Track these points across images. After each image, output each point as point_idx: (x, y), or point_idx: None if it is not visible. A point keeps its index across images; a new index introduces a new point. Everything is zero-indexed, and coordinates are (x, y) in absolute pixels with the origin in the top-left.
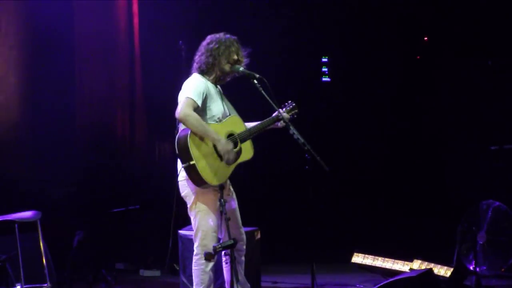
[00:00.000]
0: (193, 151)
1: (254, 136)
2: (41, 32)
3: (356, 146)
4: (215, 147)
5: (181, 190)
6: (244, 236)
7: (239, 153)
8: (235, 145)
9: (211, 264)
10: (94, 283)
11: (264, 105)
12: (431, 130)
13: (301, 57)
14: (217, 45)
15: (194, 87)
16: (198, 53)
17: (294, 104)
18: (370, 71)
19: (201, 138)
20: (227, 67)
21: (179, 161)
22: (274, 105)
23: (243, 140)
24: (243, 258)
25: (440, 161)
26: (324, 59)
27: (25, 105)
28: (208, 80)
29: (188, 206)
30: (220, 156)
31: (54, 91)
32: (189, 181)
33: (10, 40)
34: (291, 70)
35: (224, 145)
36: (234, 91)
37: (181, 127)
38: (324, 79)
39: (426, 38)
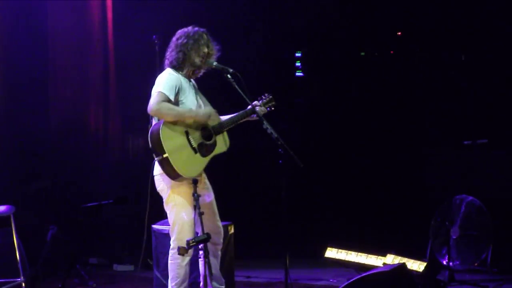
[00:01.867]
0: (166, 144)
1: (229, 128)
2: (13, 27)
3: (330, 141)
4: (188, 140)
5: (156, 185)
6: (222, 230)
7: (214, 145)
8: (210, 138)
9: (187, 259)
10: (68, 278)
11: (240, 98)
12: (406, 125)
13: (274, 52)
14: (186, 40)
15: (165, 81)
16: (169, 49)
17: (270, 97)
18: (344, 66)
19: (173, 131)
20: (197, 61)
21: (155, 156)
22: (247, 99)
23: (217, 133)
24: (219, 252)
25: (414, 156)
26: (298, 54)
27: None
28: (181, 74)
29: (164, 200)
30: (194, 148)
31: (27, 85)
32: (164, 175)
33: None
34: (264, 65)
35: (204, 113)
36: (210, 85)
37: (154, 121)
38: (297, 73)
39: (399, 33)
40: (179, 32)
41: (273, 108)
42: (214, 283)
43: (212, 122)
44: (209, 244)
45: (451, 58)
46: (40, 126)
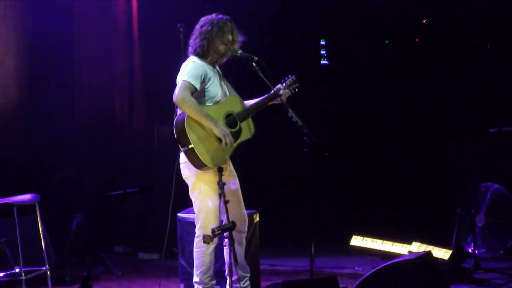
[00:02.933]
0: (191, 134)
1: (253, 114)
2: (39, 17)
3: (355, 129)
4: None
5: (182, 173)
6: (246, 218)
7: (239, 132)
8: (235, 125)
9: (212, 247)
10: (93, 266)
11: (265, 86)
12: (430, 113)
13: (298, 40)
14: (210, 27)
15: (190, 69)
16: (193, 37)
17: (294, 78)
18: (369, 54)
19: (199, 122)
20: (222, 48)
21: (180, 146)
22: (271, 86)
23: (242, 119)
24: (244, 240)
25: (439, 144)
26: (322, 42)
27: (24, 88)
28: (205, 62)
29: (189, 188)
30: (218, 138)
31: (53, 75)
32: (189, 163)
33: (9, 24)
34: (288, 53)
35: (221, 129)
36: (234, 72)
37: (179, 110)
38: (322, 62)
39: (425, 21)
40: (203, 20)
41: (297, 90)
42: (239, 271)
43: (237, 109)
44: (234, 232)
45: (476, 46)
46: (66, 116)
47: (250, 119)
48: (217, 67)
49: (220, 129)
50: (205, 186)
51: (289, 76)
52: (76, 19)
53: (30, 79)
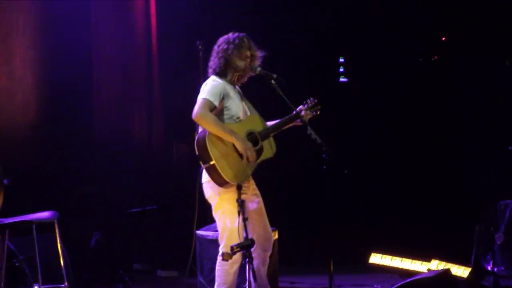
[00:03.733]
0: (213, 151)
1: (275, 134)
2: (58, 32)
3: (374, 146)
4: (234, 145)
5: (205, 192)
6: (272, 236)
7: (260, 150)
8: (256, 143)
9: (235, 266)
10: (112, 283)
11: (284, 104)
12: (450, 131)
13: (317, 58)
14: (226, 46)
15: (210, 88)
16: (211, 57)
17: (316, 101)
18: (388, 71)
19: (220, 138)
20: (241, 64)
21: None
22: (291, 105)
23: (263, 138)
24: (268, 259)
25: (459, 161)
26: (341, 59)
27: (43, 105)
28: (225, 80)
29: (213, 207)
30: (240, 155)
31: (71, 91)
32: (212, 182)
33: (27, 41)
34: (307, 71)
35: (243, 143)
36: (254, 92)
37: (200, 128)
38: (341, 79)
39: (444, 38)
40: (220, 40)
41: (318, 112)
42: None
43: (258, 128)
44: (259, 250)
45: (496, 64)
46: (84, 133)
47: (271, 138)
48: (237, 87)
49: (242, 143)
50: (228, 204)
51: (311, 98)
52: (95, 34)
53: (50, 96)
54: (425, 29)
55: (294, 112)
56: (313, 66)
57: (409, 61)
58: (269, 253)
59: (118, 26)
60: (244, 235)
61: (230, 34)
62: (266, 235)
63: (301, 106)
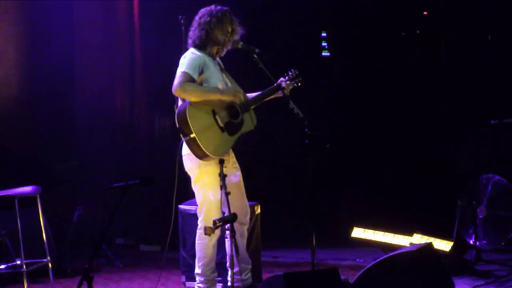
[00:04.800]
0: (193, 124)
1: (256, 106)
2: (40, 7)
3: (356, 120)
4: (215, 119)
5: (185, 165)
6: (249, 209)
7: (241, 123)
8: (237, 116)
9: (214, 239)
10: (94, 258)
11: (266, 78)
12: (432, 105)
13: (299, 32)
14: (208, 18)
15: (188, 61)
16: (192, 28)
17: (297, 72)
18: (369, 45)
19: (200, 111)
20: (221, 38)
21: (182, 136)
22: (273, 78)
23: (244, 111)
24: (246, 232)
25: (441, 135)
26: (323, 34)
27: (25, 80)
28: (204, 53)
29: (192, 180)
30: (221, 128)
31: (53, 66)
32: (192, 155)
33: (9, 16)
34: (290, 45)
35: (229, 89)
36: (235, 65)
37: (180, 101)
38: (324, 53)
39: (425, 13)
40: (202, 11)
41: (299, 84)
42: (241, 263)
43: (238, 101)
44: (236, 224)
45: (477, 37)
46: (67, 108)
47: (252, 111)
48: (217, 59)
49: (228, 91)
50: (208, 178)
51: (292, 70)
52: (77, 11)
53: (31, 70)
54: (408, 3)
55: (276, 83)
56: (295, 40)
57: (391, 35)
58: (246, 227)
59: (100, 2)
60: (226, 209)
61: (213, 7)
62: (244, 209)
63: (282, 78)
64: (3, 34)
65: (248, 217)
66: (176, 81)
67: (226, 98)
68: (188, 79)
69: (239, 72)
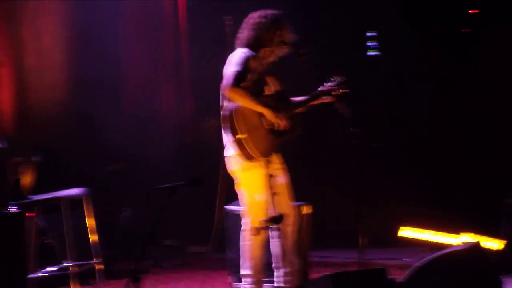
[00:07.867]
0: (239, 125)
1: (302, 110)
2: (86, 9)
3: (403, 120)
4: (261, 120)
5: (229, 166)
6: (295, 211)
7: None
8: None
9: (260, 239)
10: (141, 259)
11: (311, 81)
12: (479, 103)
13: (347, 32)
14: (258, 20)
15: (240, 59)
16: (241, 30)
17: (343, 79)
18: (417, 45)
19: (247, 112)
20: (271, 42)
21: (225, 137)
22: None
23: (290, 115)
24: (291, 233)
25: (488, 133)
26: (371, 33)
27: (72, 83)
28: (253, 54)
29: (236, 182)
30: (267, 129)
31: (100, 69)
32: (237, 156)
33: (57, 17)
34: (336, 45)
35: (275, 112)
36: (282, 68)
37: (225, 102)
38: (371, 53)
39: (474, 11)
40: (254, 14)
41: (346, 90)
42: (288, 264)
43: (282, 104)
44: (282, 225)
45: None
46: (113, 109)
47: (298, 116)
48: (264, 63)
49: (273, 112)
50: (252, 179)
51: (338, 76)
52: (122, 11)
53: (79, 74)
54: (455, 1)
55: (319, 88)
56: (342, 41)
57: (439, 35)
58: (290, 228)
59: (146, 2)
60: (273, 209)
61: (269, 11)
62: (290, 211)
63: (328, 83)
64: (50, 36)
65: (293, 218)
66: (229, 81)
67: (268, 115)
68: (240, 78)
69: (285, 74)
